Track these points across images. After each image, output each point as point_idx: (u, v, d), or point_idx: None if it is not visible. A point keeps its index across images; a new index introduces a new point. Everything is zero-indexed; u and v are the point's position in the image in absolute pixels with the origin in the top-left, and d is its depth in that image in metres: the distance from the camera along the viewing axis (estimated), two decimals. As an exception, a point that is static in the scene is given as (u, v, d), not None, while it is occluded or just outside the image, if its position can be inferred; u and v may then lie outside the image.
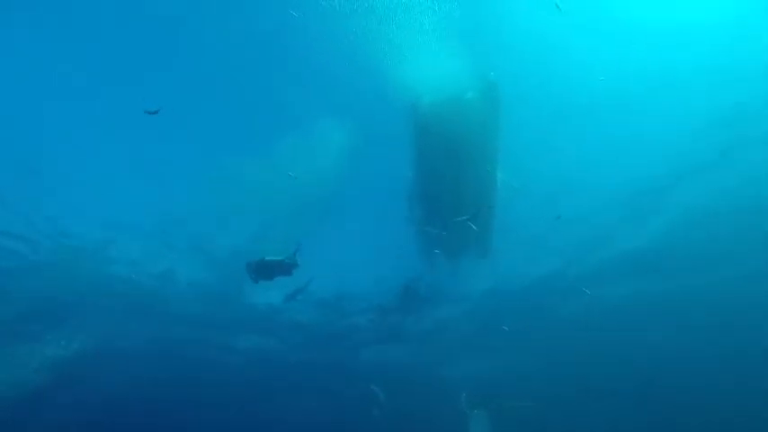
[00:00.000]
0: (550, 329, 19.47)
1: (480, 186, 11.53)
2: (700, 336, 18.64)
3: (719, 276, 15.75)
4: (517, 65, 10.28)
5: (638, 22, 9.44)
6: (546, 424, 21.69)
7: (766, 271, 15.18)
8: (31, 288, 15.59)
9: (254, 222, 13.88)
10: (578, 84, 10.49)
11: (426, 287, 16.46)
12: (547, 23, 9.52)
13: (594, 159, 12.15)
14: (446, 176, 11.49)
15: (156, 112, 6.94)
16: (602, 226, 14.19)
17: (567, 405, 22.95)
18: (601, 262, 15.60)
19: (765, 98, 10.33)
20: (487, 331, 19.62)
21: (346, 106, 10.87)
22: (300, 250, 10.22)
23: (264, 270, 10.02)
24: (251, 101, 10.90)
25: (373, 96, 10.40)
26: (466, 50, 9.75)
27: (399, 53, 9.32)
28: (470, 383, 21.48)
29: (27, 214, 13.13)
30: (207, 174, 12.32)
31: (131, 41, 9.97)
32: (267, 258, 10.00)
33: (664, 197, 13.06)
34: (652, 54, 9.86)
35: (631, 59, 9.99)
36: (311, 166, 11.73)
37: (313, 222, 13.47)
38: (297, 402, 24.63)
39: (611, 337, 19.66)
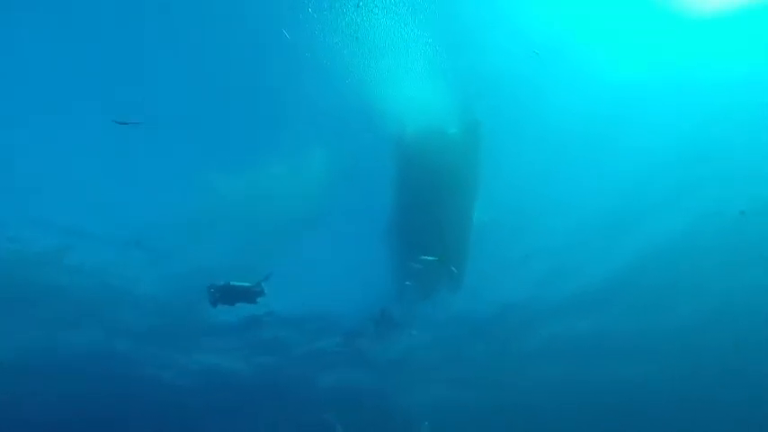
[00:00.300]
0: (516, 360, 19.53)
1: (457, 221, 11.62)
2: (668, 371, 19.13)
3: (685, 312, 16.31)
4: (496, 103, 10.61)
5: (605, 70, 9.96)
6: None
7: (730, 306, 15.79)
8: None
9: (227, 241, 13.40)
10: (548, 123, 10.94)
11: (399, 314, 16.27)
12: (524, 68, 9.85)
13: (560, 195, 12.57)
14: (424, 208, 11.59)
15: (130, 124, 6.52)
16: (569, 259, 14.58)
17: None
18: (568, 294, 15.97)
19: (718, 140, 11.01)
20: (453, 360, 19.47)
21: (331, 131, 10.85)
22: (269, 279, 9.74)
23: (228, 294, 9.49)
24: (236, 118, 10.60)
25: (358, 125, 10.45)
26: (451, 87, 10.01)
27: (387, 85, 9.45)
28: (433, 413, 21.21)
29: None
30: (180, 187, 11.87)
31: (109, 42, 9.49)
32: (233, 283, 9.49)
33: (627, 233, 13.54)
34: (616, 97, 10.40)
35: (597, 103, 10.52)
36: (292, 188, 11.51)
37: (288, 245, 13.16)
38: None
39: (578, 371, 19.93)
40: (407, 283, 13.11)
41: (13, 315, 15.60)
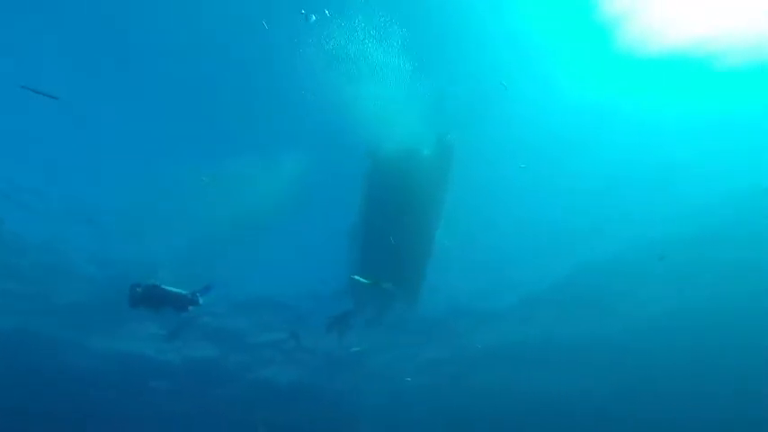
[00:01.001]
0: (461, 365, 20.11)
1: (418, 238, 11.72)
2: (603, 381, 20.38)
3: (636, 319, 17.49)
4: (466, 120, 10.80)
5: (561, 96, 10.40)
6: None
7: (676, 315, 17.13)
8: None
9: (180, 238, 12.63)
10: (510, 143, 11.31)
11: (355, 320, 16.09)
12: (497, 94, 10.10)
13: (508, 209, 13.00)
14: (388, 224, 11.55)
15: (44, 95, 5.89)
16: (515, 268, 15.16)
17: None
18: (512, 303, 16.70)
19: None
20: (400, 363, 19.74)
21: (306, 136, 10.60)
22: (209, 292, 8.73)
23: (154, 298, 8.06)
24: (211, 113, 10.10)
25: (334, 135, 10.30)
26: (429, 109, 10.02)
27: (367, 101, 9.35)
28: (377, 415, 21.70)
29: None
30: (135, 174, 11.08)
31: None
32: (163, 286, 8.09)
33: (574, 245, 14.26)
34: (571, 121, 10.95)
35: (556, 126, 11.02)
36: (256, 187, 11.18)
37: (245, 241, 12.86)
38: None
39: (519, 378, 21.02)
40: (364, 297, 13.01)
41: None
